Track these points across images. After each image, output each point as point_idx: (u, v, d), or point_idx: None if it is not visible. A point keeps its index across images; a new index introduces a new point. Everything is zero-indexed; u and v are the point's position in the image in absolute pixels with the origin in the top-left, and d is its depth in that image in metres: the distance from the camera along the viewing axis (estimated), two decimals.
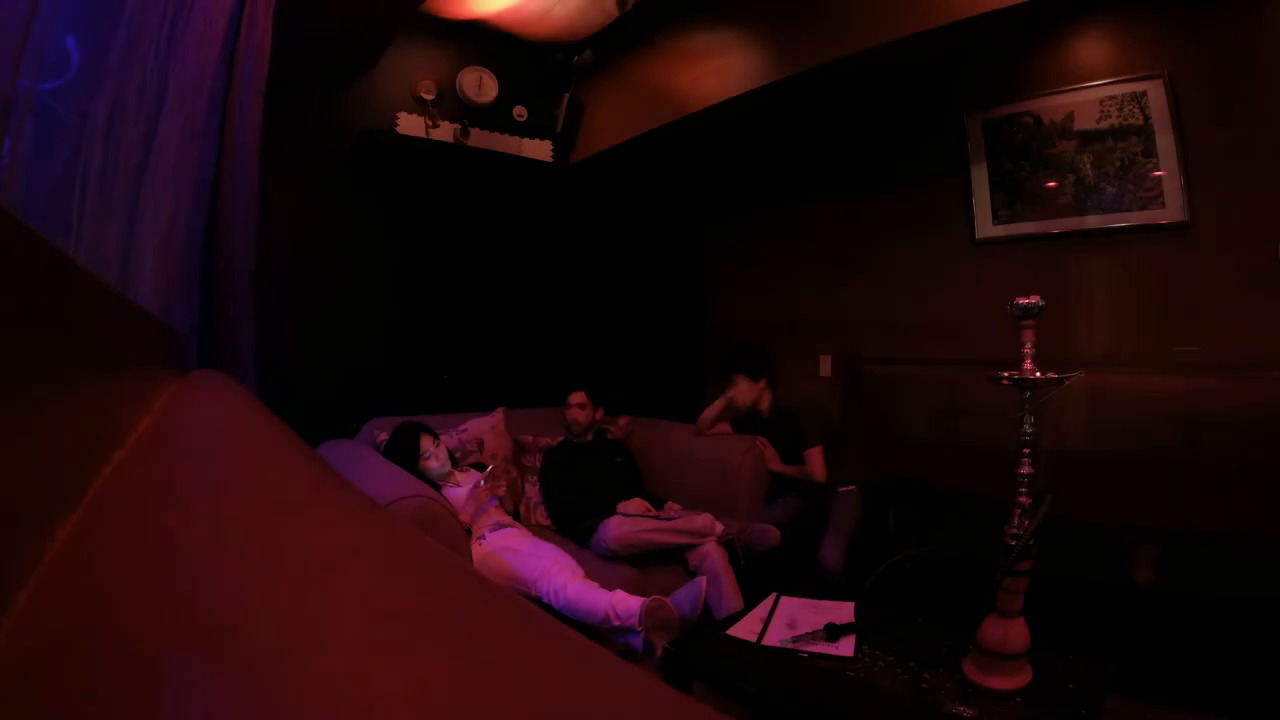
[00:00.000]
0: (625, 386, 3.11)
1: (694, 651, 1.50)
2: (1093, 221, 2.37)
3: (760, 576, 2.12)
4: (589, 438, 2.63)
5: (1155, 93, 2.20)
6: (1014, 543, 1.24)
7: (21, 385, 0.30)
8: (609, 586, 1.93)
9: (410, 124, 2.66)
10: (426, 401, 2.56)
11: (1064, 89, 2.40)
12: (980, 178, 2.62)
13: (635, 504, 2.32)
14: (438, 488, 2.11)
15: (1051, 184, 2.46)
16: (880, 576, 1.52)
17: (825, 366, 3.15)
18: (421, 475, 2.06)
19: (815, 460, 2.41)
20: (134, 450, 0.48)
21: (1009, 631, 1.24)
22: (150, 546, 0.33)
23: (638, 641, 1.70)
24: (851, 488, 2.43)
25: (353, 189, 2.62)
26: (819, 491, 2.44)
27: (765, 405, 2.62)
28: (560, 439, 2.65)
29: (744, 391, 2.58)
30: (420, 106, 2.71)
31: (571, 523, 2.33)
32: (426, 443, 2.13)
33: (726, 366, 2.64)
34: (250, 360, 1.47)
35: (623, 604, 1.72)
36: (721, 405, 2.66)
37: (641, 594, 1.79)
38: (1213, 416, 2.02)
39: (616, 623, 1.70)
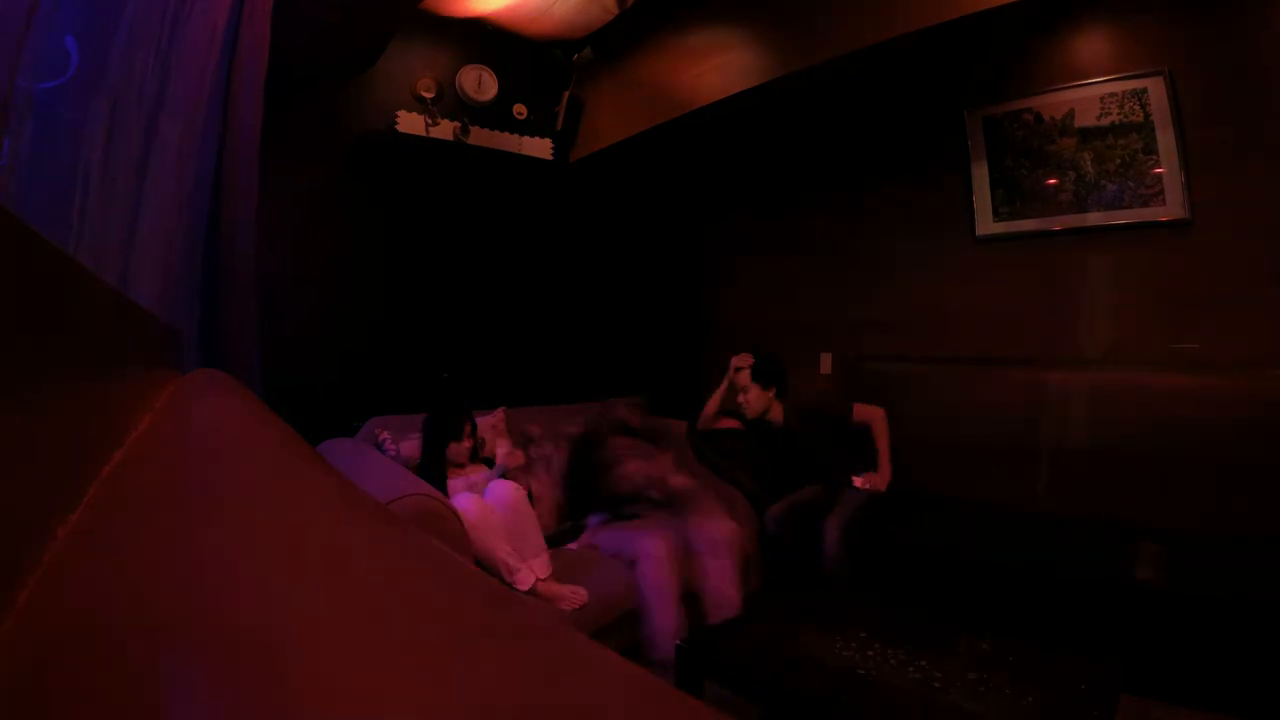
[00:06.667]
0: (625, 385, 3.11)
1: (705, 650, 1.50)
2: (1093, 218, 2.36)
3: (776, 568, 2.18)
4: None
5: (1156, 90, 2.19)
6: None
7: (21, 385, 0.30)
8: (604, 583, 1.94)
9: (410, 122, 2.65)
10: (427, 400, 2.56)
11: (1064, 86, 2.40)
12: (981, 175, 2.62)
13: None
14: (445, 476, 2.13)
15: (1052, 181, 2.45)
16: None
17: (825, 364, 3.15)
18: (441, 457, 2.16)
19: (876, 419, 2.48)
20: (134, 450, 0.48)
21: None
22: (150, 546, 0.33)
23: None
24: (863, 479, 2.42)
25: (352, 188, 2.62)
26: (833, 482, 2.43)
27: (778, 416, 2.59)
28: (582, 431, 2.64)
29: (754, 400, 2.55)
30: (420, 105, 2.71)
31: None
32: (468, 427, 2.24)
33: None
34: (256, 361, 1.47)
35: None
36: (718, 398, 2.66)
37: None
38: (1213, 414, 2.02)
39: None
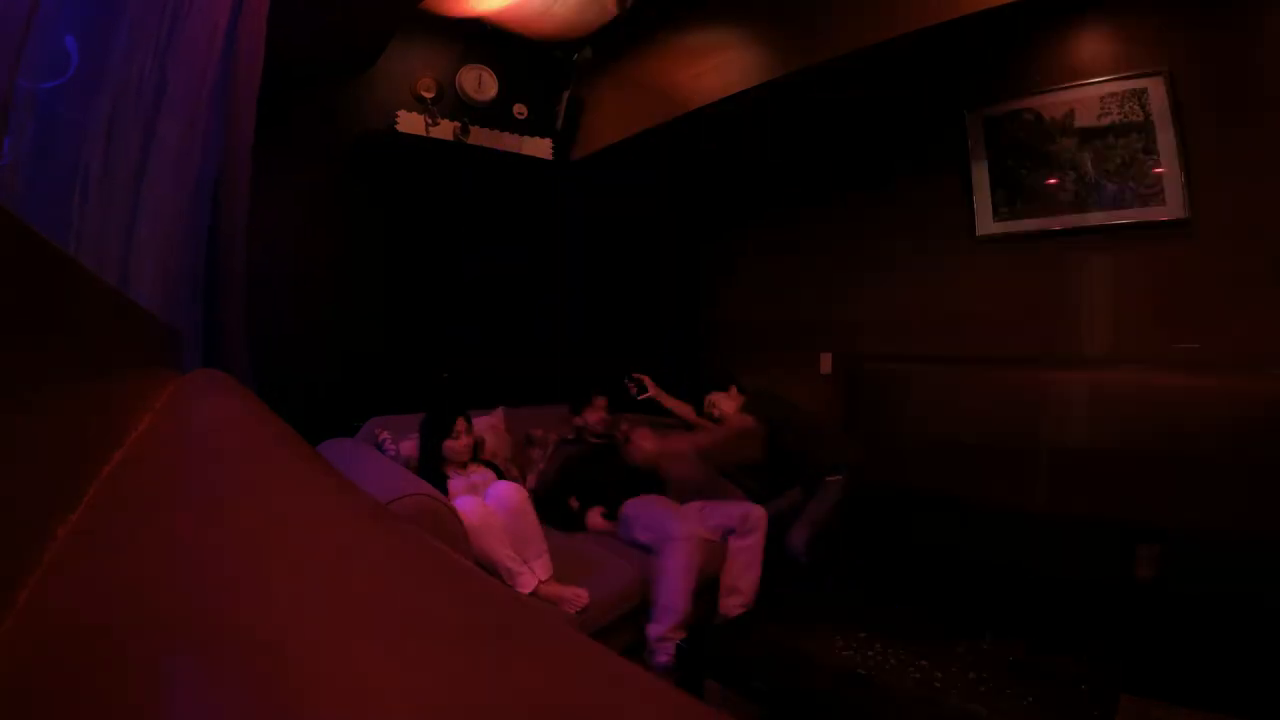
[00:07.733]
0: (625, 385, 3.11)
1: (706, 649, 1.50)
2: (1093, 218, 2.36)
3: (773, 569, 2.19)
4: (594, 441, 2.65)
5: (1156, 90, 2.19)
6: None
7: (21, 385, 0.30)
8: (605, 585, 1.95)
9: (410, 122, 2.65)
10: (427, 400, 2.56)
11: (1065, 86, 2.39)
12: (981, 175, 2.62)
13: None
14: (445, 477, 2.13)
15: (1052, 181, 2.45)
16: None
17: (825, 364, 3.15)
18: (439, 455, 2.16)
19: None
20: (134, 450, 0.48)
21: None
22: (150, 546, 0.33)
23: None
24: (838, 477, 2.35)
25: (352, 188, 2.62)
26: (808, 478, 2.39)
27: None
28: (569, 437, 2.70)
29: (725, 401, 2.60)
30: (420, 104, 2.71)
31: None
32: (461, 423, 2.22)
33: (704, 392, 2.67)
34: (248, 361, 1.47)
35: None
36: (716, 436, 2.65)
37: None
38: (1213, 414, 2.02)
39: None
